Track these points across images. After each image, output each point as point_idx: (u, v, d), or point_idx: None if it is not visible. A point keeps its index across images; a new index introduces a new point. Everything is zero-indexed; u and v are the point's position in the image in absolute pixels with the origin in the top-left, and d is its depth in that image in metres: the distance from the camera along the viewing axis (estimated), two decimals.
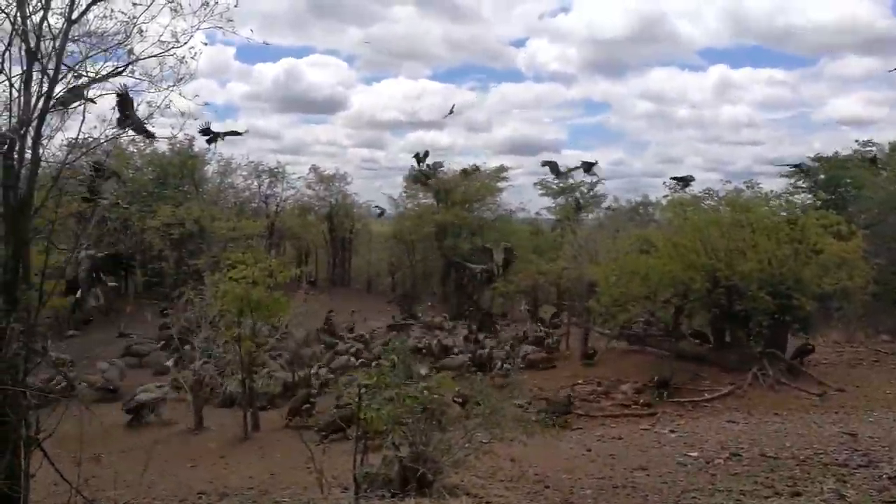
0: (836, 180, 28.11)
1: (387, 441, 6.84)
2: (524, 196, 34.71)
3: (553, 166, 33.92)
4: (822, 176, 28.90)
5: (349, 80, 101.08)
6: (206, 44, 6.84)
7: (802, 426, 11.42)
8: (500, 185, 33.16)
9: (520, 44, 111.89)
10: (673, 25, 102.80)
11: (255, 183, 32.45)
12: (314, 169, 34.74)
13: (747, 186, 19.98)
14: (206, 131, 27.69)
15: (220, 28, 6.65)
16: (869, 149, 28.87)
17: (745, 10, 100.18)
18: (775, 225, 16.30)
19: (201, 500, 8.65)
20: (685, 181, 29.46)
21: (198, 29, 6.49)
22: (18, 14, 5.66)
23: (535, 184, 34.64)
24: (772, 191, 21.34)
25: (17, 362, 5.47)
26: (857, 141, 29.79)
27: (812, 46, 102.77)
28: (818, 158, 29.54)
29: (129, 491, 8.71)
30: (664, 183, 33.20)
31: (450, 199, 32.03)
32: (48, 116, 5.95)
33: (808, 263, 16.00)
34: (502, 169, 33.79)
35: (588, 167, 33.18)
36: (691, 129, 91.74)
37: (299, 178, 33.73)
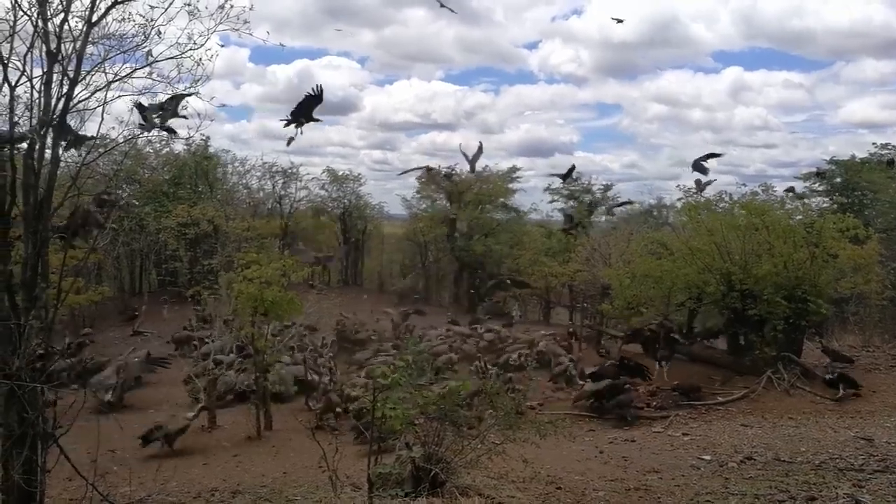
0: (852, 184, 27.90)
1: (399, 441, 6.87)
2: (536, 197, 34.60)
3: (563, 176, 33.74)
4: (839, 179, 28.70)
5: (362, 81, 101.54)
6: (222, 45, 6.90)
7: (817, 430, 11.33)
8: (512, 186, 33.20)
9: (532, 46, 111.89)
10: (686, 28, 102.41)
11: (269, 184, 32.69)
12: (328, 170, 34.93)
13: (762, 190, 19.91)
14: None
15: (237, 30, 6.71)
16: (886, 151, 28.66)
17: (759, 12, 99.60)
18: (791, 228, 16.20)
19: (214, 498, 8.71)
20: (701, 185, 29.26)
21: (214, 31, 6.56)
22: (40, 17, 5.74)
23: (546, 189, 34.60)
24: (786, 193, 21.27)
25: (36, 359, 5.55)
26: (874, 144, 29.61)
27: (827, 49, 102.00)
28: (834, 161, 29.34)
29: (144, 487, 8.79)
30: (678, 186, 33.12)
31: (462, 200, 32.06)
32: (68, 117, 6.03)
33: (825, 267, 15.88)
34: (514, 170, 33.85)
35: (566, 176, 32.95)
36: (705, 131, 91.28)
37: (313, 178, 33.98)
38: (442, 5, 11.29)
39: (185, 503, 8.50)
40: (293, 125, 10.26)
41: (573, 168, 31.64)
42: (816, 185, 29.08)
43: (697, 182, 25.85)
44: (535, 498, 7.42)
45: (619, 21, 21.45)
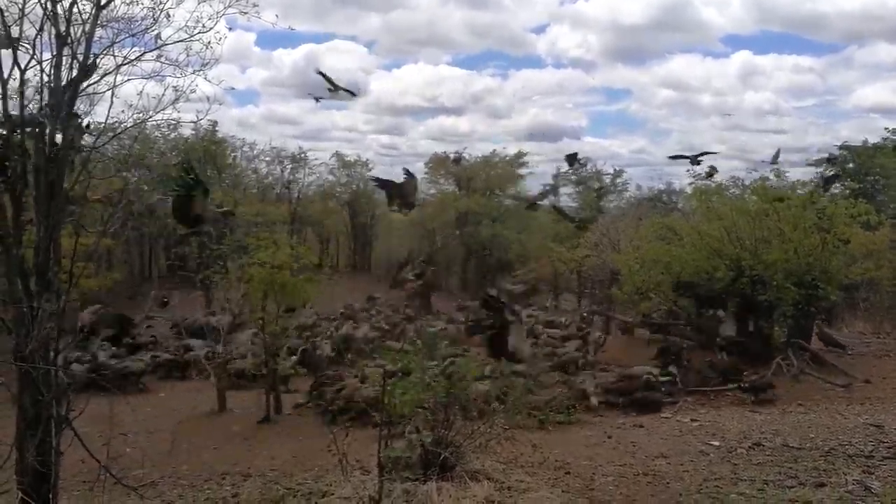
0: (864, 169, 27.66)
1: (409, 425, 6.90)
2: (545, 182, 34.40)
3: (570, 158, 33.56)
4: (851, 165, 28.45)
5: (369, 65, 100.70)
6: (230, 28, 6.86)
7: (827, 417, 11.31)
8: (520, 171, 33.12)
9: (540, 30, 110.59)
10: (695, 11, 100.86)
11: (278, 169, 32.72)
12: (337, 155, 34.91)
13: (775, 175, 19.73)
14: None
15: (246, 13, 6.67)
16: None
17: None
18: (802, 214, 16.09)
19: (225, 481, 8.79)
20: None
21: (223, 14, 6.53)
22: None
23: (555, 176, 34.46)
24: (798, 180, 21.11)
25: (49, 342, 5.58)
26: (886, 129, 29.32)
27: (840, 33, 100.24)
28: (846, 147, 29.09)
29: (155, 470, 8.88)
30: (688, 170, 32.93)
31: (471, 185, 32.00)
32: (78, 101, 6.02)
33: (836, 253, 15.78)
34: (521, 154, 33.72)
35: (571, 160, 32.73)
36: (714, 116, 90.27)
37: (321, 163, 34.00)
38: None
39: (197, 486, 8.59)
40: None
41: (576, 154, 31.56)
42: (828, 170, 28.84)
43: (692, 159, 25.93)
44: (544, 482, 7.44)
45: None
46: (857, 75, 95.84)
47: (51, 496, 5.71)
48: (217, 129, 29.90)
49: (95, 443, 6.47)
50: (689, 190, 25.16)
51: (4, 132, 5.84)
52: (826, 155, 29.27)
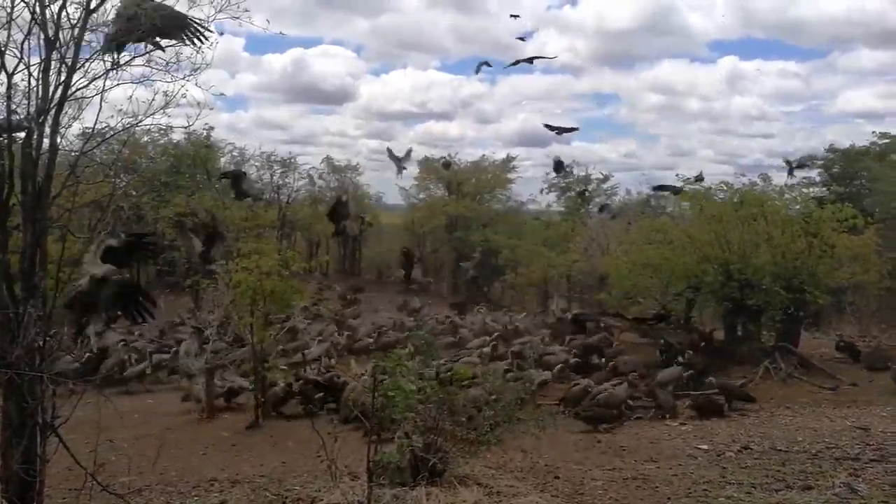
0: (850, 173, 27.93)
1: (399, 430, 6.89)
2: (534, 188, 34.53)
3: (557, 165, 33.47)
4: (837, 169, 28.72)
5: (357, 70, 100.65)
6: (221, 33, 6.82)
7: (814, 420, 11.40)
8: (509, 176, 33.19)
9: (527, 36, 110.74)
10: (682, 17, 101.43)
11: (268, 174, 32.62)
12: (327, 159, 34.89)
13: (762, 179, 19.90)
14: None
15: (237, 18, 6.64)
16: (886, 141, 28.66)
17: (755, 2, 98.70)
18: (789, 218, 16.24)
19: (213, 488, 8.74)
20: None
21: (214, 19, 6.50)
22: (38, 4, 5.69)
23: (542, 188, 34.38)
24: (785, 184, 21.30)
25: (35, 348, 5.54)
26: (872, 132, 29.63)
27: (822, 38, 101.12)
28: (832, 150, 29.36)
29: (142, 477, 8.80)
30: (677, 175, 33.11)
31: (461, 190, 32.06)
32: (66, 105, 5.98)
33: (823, 257, 15.92)
34: (510, 159, 33.80)
35: (559, 167, 32.61)
36: (702, 121, 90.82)
37: (311, 167, 33.95)
38: None
39: (185, 493, 8.54)
40: None
41: (561, 162, 31.44)
42: (815, 173, 29.10)
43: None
44: (534, 487, 7.45)
45: None
46: (841, 80, 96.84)
47: None
48: (212, 133, 29.81)
49: (82, 450, 6.41)
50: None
51: None
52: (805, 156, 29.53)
